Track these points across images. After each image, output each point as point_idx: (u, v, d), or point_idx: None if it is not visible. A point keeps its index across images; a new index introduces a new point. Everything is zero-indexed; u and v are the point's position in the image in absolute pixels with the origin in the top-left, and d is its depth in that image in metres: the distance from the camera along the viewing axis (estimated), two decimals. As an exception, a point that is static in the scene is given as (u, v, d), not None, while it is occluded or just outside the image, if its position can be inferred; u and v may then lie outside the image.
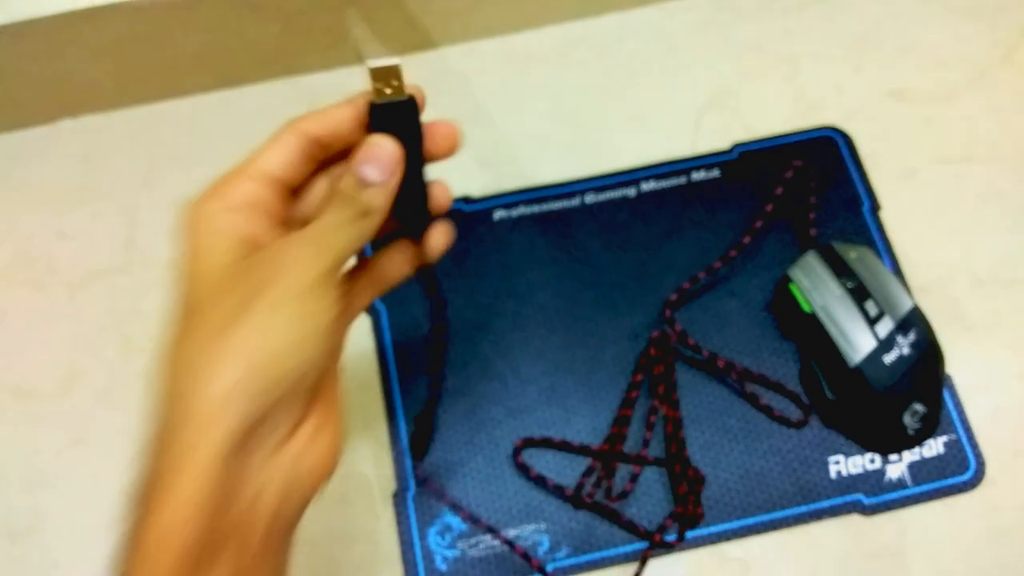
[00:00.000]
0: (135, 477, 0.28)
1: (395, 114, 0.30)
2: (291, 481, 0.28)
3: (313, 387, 0.28)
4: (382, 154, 0.29)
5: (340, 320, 0.29)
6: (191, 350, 0.26)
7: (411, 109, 0.31)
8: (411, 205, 0.32)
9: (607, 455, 0.49)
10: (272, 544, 0.28)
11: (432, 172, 0.34)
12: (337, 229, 0.28)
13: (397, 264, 0.33)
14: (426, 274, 0.35)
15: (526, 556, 0.47)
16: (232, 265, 0.27)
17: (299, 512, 0.29)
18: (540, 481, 0.49)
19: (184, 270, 0.28)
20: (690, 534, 0.48)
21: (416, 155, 0.31)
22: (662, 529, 0.48)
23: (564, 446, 0.50)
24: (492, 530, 0.47)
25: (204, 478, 0.25)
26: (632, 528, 0.48)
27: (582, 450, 0.49)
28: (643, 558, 0.47)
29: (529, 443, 0.50)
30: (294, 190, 0.31)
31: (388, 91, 0.30)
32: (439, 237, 0.33)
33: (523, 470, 0.49)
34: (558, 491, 0.48)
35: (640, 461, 0.49)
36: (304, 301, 0.27)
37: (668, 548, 0.48)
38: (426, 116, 0.33)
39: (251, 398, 0.26)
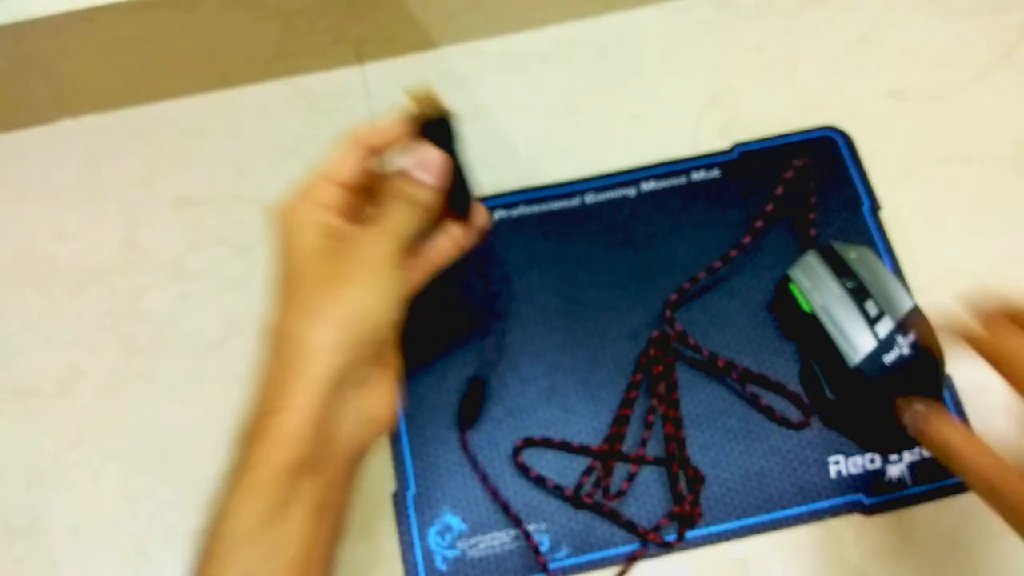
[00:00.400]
0: (247, 406, 0.35)
1: (438, 127, 0.38)
2: (364, 422, 0.36)
3: (381, 350, 0.36)
4: (431, 162, 0.38)
5: (403, 293, 0.37)
6: (298, 309, 0.34)
7: (449, 123, 0.39)
8: (459, 194, 0.39)
9: (607, 455, 0.49)
10: (347, 468, 0.36)
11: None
12: (400, 220, 0.37)
13: (445, 248, 0.41)
14: (484, 252, 0.44)
15: (536, 551, 0.47)
16: (321, 248, 0.35)
17: (366, 448, 0.36)
18: (540, 481, 0.49)
19: (283, 251, 0.36)
20: (690, 534, 0.48)
21: (456, 156, 0.39)
22: (658, 529, 0.48)
23: (564, 446, 0.50)
24: (518, 522, 0.48)
25: (310, 408, 0.33)
26: (631, 528, 0.48)
27: (582, 450, 0.49)
28: (632, 557, 0.47)
29: (529, 443, 0.50)
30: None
31: (428, 110, 0.38)
32: (481, 215, 0.42)
33: (523, 470, 0.49)
34: (557, 491, 0.48)
35: (640, 461, 0.49)
36: (379, 275, 0.35)
37: (667, 548, 0.48)
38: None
39: (346, 348, 0.34)
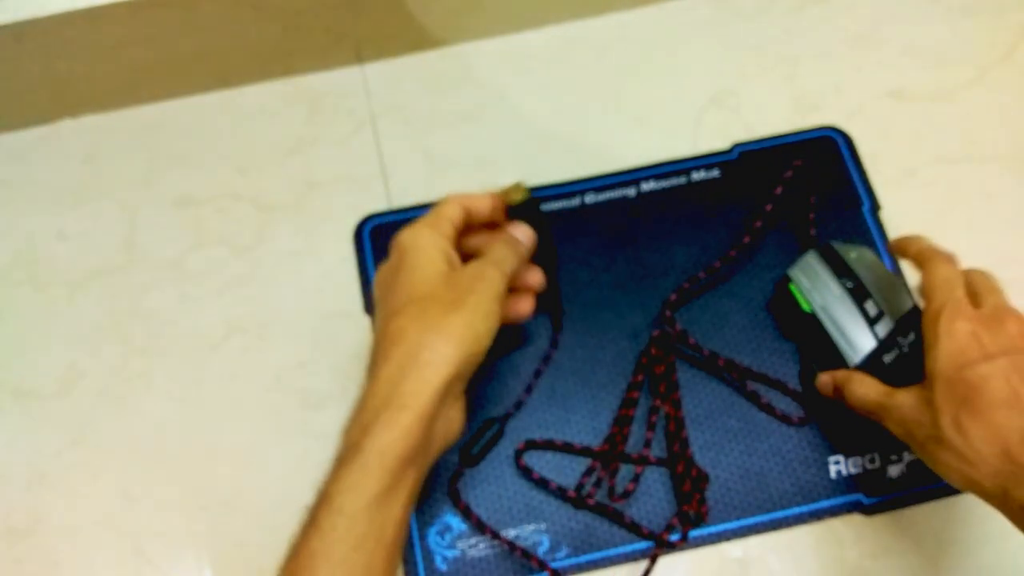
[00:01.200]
0: (360, 401, 0.39)
1: (526, 207, 0.46)
2: (446, 429, 0.41)
3: (474, 369, 0.41)
4: (526, 231, 0.46)
5: (498, 326, 0.42)
6: (425, 324, 0.39)
7: (536, 204, 0.48)
8: (543, 254, 0.48)
9: (610, 456, 0.49)
10: (431, 463, 0.41)
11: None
12: (504, 256, 0.44)
13: (520, 307, 0.47)
14: (553, 302, 0.52)
15: (526, 555, 0.47)
16: (443, 271, 0.42)
17: (445, 450, 0.42)
18: (543, 484, 0.49)
19: (412, 267, 0.42)
20: (691, 534, 0.48)
21: (541, 228, 0.47)
22: (670, 528, 0.48)
23: (567, 448, 0.50)
24: (526, 555, 0.48)
25: (426, 407, 0.38)
26: (635, 529, 0.48)
27: (584, 452, 0.49)
28: (653, 557, 0.47)
29: (531, 445, 0.50)
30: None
31: (518, 196, 0.46)
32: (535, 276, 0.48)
33: (525, 472, 0.49)
34: (560, 493, 0.48)
35: (643, 461, 0.49)
36: (489, 305, 0.41)
37: (671, 548, 0.48)
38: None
39: (458, 362, 0.39)
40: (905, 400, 0.43)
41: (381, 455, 0.37)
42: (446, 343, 0.39)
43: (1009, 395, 0.39)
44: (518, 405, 0.50)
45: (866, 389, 0.45)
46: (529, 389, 0.51)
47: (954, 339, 0.41)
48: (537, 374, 0.51)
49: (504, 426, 0.50)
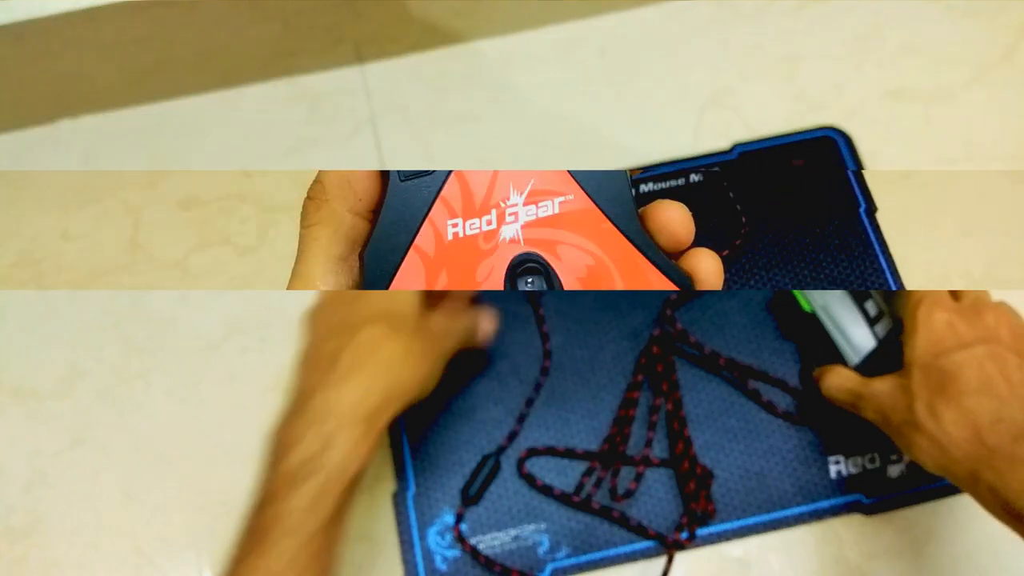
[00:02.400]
0: (318, 400, 0.39)
1: None
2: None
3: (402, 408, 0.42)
4: (490, 324, 0.48)
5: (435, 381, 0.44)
6: (397, 344, 0.40)
7: None
8: None
9: (612, 457, 0.49)
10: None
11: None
12: (463, 333, 0.45)
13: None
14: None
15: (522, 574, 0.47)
16: (421, 301, 0.43)
17: None
18: (547, 491, 0.49)
19: (390, 303, 0.42)
20: (697, 532, 0.48)
21: None
22: (680, 528, 0.48)
23: (568, 454, 0.50)
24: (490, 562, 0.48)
25: (383, 428, 0.39)
26: (641, 531, 0.48)
27: (587, 456, 0.49)
28: (670, 556, 0.47)
29: (533, 452, 0.50)
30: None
31: None
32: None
33: (529, 480, 0.49)
34: (565, 498, 0.48)
35: (646, 462, 0.49)
36: (443, 362, 0.43)
37: (679, 547, 0.47)
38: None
39: (416, 394, 0.40)
40: (881, 387, 0.44)
41: (342, 473, 0.37)
42: (417, 371, 0.40)
43: (982, 381, 0.40)
44: (512, 436, 0.50)
45: (842, 380, 0.47)
46: (521, 419, 0.50)
47: (931, 328, 0.42)
48: (529, 403, 0.51)
49: (499, 459, 0.50)
